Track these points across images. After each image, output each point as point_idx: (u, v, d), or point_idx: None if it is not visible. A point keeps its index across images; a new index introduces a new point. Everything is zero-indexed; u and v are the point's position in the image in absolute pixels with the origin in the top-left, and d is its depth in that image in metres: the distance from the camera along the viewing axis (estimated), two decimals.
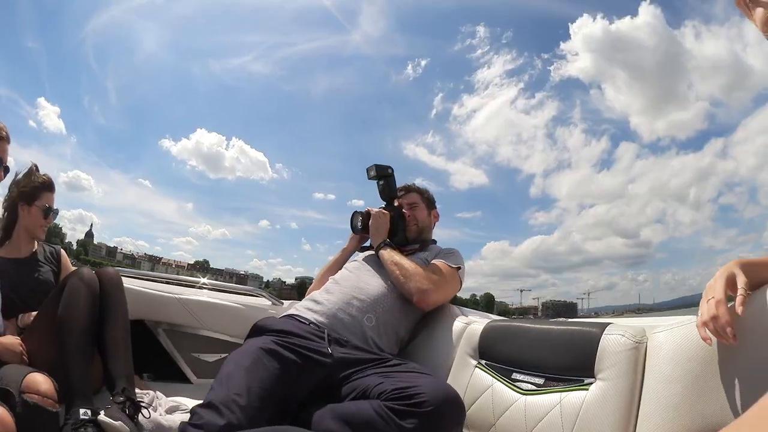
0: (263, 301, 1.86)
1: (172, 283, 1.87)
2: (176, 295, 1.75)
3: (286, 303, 1.84)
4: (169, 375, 1.71)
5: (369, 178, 1.63)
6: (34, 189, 1.60)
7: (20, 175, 1.62)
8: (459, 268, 1.53)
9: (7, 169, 1.46)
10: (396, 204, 1.67)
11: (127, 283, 1.66)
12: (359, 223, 1.64)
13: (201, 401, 1.05)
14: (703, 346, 0.79)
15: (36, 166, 1.64)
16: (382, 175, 1.61)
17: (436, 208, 1.76)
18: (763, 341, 0.73)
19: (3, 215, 1.62)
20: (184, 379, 1.72)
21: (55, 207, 1.66)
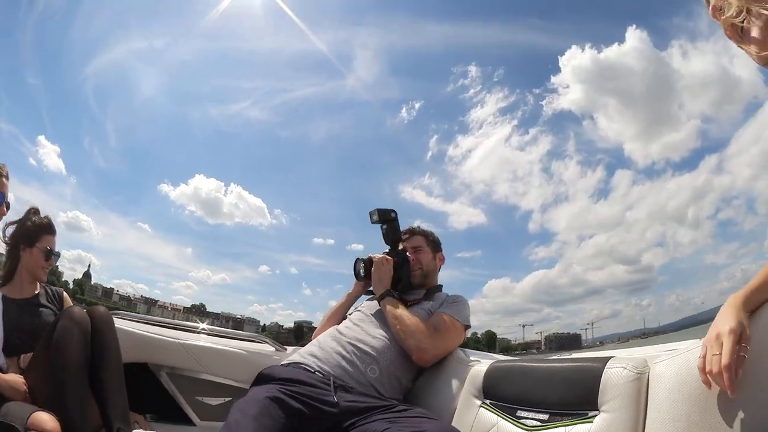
0: (266, 347, 1.86)
1: (175, 328, 1.86)
2: (179, 340, 1.75)
3: (290, 349, 1.83)
4: (172, 417, 1.69)
5: (372, 222, 1.61)
6: (35, 231, 1.63)
7: (21, 217, 1.65)
8: (467, 327, 1.51)
9: (8, 205, 1.49)
10: (400, 248, 1.64)
11: (129, 326, 1.68)
12: (362, 270, 1.61)
13: None
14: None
15: (36, 209, 1.67)
16: (385, 219, 1.59)
17: (441, 250, 1.72)
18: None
19: (5, 256, 1.64)
20: (188, 421, 1.70)
21: (56, 250, 1.68)
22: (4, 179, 1.46)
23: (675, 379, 0.88)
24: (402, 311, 1.45)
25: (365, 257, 1.62)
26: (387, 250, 1.63)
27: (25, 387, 1.34)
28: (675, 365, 0.90)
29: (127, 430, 1.29)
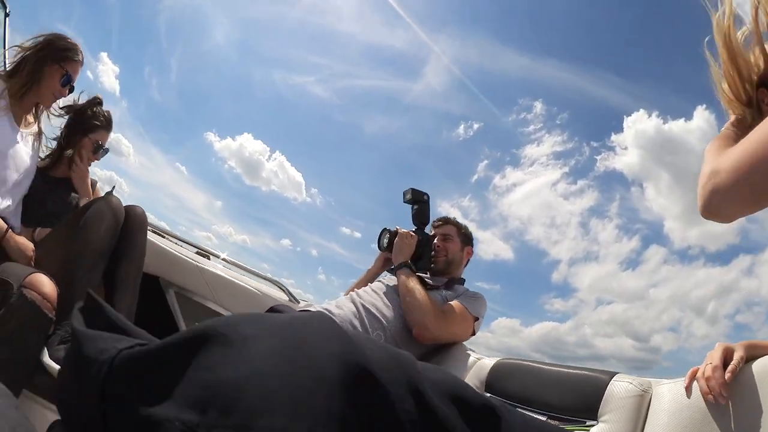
0: (281, 294, 1.87)
1: (197, 250, 1.87)
2: (196, 263, 1.76)
3: (303, 303, 1.85)
4: (165, 335, 1.65)
5: (404, 201, 1.65)
6: (92, 123, 1.60)
7: (82, 100, 1.61)
8: (476, 319, 1.50)
9: (71, 89, 1.49)
10: (431, 233, 1.67)
11: (153, 237, 1.66)
12: (385, 241, 1.63)
13: None
14: (701, 399, 0.89)
15: (101, 100, 1.64)
16: (417, 199, 1.62)
17: (471, 245, 1.73)
18: (752, 403, 0.84)
19: (57, 138, 1.61)
20: None
21: (106, 146, 1.64)
22: (78, 64, 1.47)
23: (675, 402, 0.94)
24: (415, 285, 1.45)
25: (392, 229, 1.64)
26: (413, 229, 1.65)
27: (32, 253, 1.31)
28: (677, 389, 0.96)
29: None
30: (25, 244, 1.31)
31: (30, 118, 1.50)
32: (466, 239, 1.73)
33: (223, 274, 1.80)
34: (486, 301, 1.58)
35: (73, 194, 1.60)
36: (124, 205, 1.40)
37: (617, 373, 1.09)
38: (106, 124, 1.63)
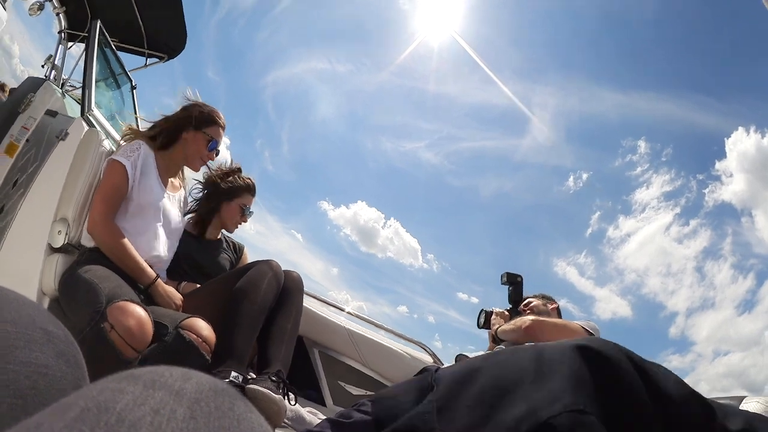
0: (425, 356, 1.85)
1: (324, 302, 1.91)
2: (344, 326, 1.80)
3: (446, 365, 1.89)
4: (306, 392, 1.71)
5: (501, 283, 1.82)
6: (237, 188, 1.68)
7: (224, 170, 1.70)
8: (590, 333, 1.51)
9: (217, 152, 1.56)
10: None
11: None
12: (482, 320, 1.77)
13: None
14: None
15: (240, 168, 1.73)
16: (512, 281, 1.81)
17: (555, 303, 1.82)
18: None
19: (201, 203, 1.70)
20: (320, 401, 1.71)
21: (251, 210, 1.72)
22: (220, 129, 1.53)
23: None
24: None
25: (488, 309, 1.80)
26: (508, 308, 1.79)
27: (180, 303, 1.36)
28: None
29: (283, 376, 1.26)
30: (174, 293, 1.38)
31: (176, 182, 1.58)
32: (545, 298, 1.83)
33: (371, 337, 1.82)
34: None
35: (220, 253, 1.69)
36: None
37: (745, 396, 1.08)
38: (251, 189, 1.72)
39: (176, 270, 1.54)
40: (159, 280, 1.35)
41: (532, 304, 1.79)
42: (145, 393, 0.22)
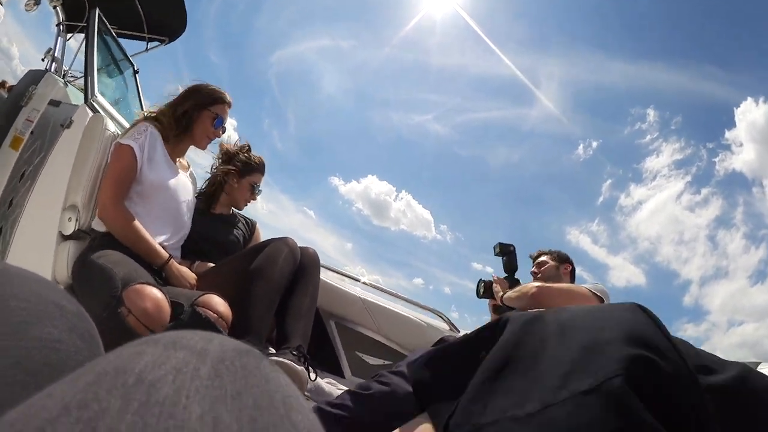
0: (442, 324, 1.84)
1: (341, 275, 1.90)
2: (359, 296, 1.79)
3: (462, 332, 1.82)
4: (324, 364, 1.71)
5: (495, 255, 1.83)
6: (248, 166, 1.68)
7: (235, 147, 1.70)
8: (598, 296, 1.50)
9: (224, 129, 1.54)
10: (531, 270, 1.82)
11: None
12: (481, 289, 1.77)
13: None
14: None
15: (249, 146, 1.73)
16: (505, 251, 1.81)
17: (569, 262, 1.81)
18: None
19: (210, 180, 1.70)
20: (339, 373, 1.71)
21: (260, 188, 1.71)
22: (226, 106, 1.53)
23: None
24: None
25: (486, 279, 1.80)
26: (505, 277, 1.81)
27: (194, 282, 1.36)
28: None
29: (303, 351, 1.25)
30: (188, 272, 1.37)
31: (184, 161, 1.58)
32: (560, 259, 1.82)
33: (387, 306, 1.80)
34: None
35: (234, 228, 1.68)
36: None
37: (760, 362, 1.05)
38: (260, 167, 1.72)
39: (191, 247, 1.53)
40: (172, 260, 1.34)
41: (543, 267, 1.78)
42: (166, 353, 0.21)
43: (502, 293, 1.67)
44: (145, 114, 1.50)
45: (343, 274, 1.90)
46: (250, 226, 1.77)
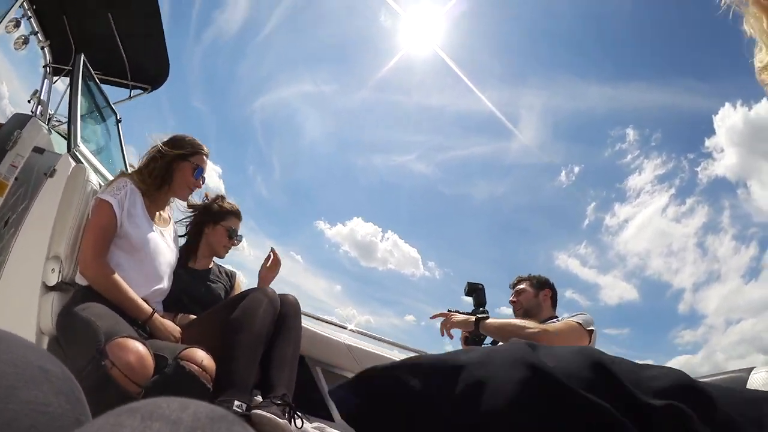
0: None
1: (324, 322, 1.94)
2: (344, 342, 1.82)
3: None
4: (313, 410, 1.71)
5: (465, 294, 1.81)
6: (222, 212, 1.70)
7: (208, 200, 1.73)
8: (588, 329, 1.53)
9: (203, 180, 1.57)
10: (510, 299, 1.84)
11: None
12: (468, 288, 1.77)
13: None
14: None
15: (223, 196, 1.74)
16: (474, 290, 1.79)
17: (549, 287, 1.82)
18: None
19: (187, 232, 1.71)
20: (329, 417, 1.71)
21: (240, 233, 1.72)
22: (204, 156, 1.56)
23: None
24: (501, 321, 1.58)
25: (475, 282, 1.79)
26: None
27: (179, 335, 1.36)
28: None
29: (288, 400, 1.26)
30: (172, 326, 1.38)
31: (164, 214, 1.59)
32: (540, 284, 1.83)
33: (370, 349, 1.83)
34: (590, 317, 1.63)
35: (213, 282, 1.69)
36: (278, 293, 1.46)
37: (753, 367, 1.06)
38: (235, 213, 1.73)
39: (173, 302, 1.54)
40: (156, 314, 1.36)
41: (521, 296, 1.80)
42: (143, 425, 0.23)
43: (483, 317, 1.63)
44: (126, 170, 1.53)
45: (329, 323, 1.92)
46: (230, 276, 1.78)
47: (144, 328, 1.34)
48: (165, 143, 1.52)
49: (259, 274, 1.70)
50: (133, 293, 1.33)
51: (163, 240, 1.52)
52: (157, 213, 1.55)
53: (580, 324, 1.56)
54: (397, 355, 1.87)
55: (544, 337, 1.47)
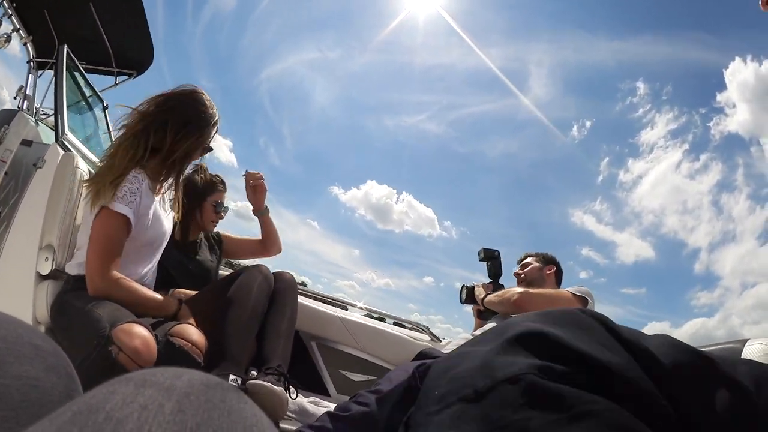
0: (423, 336, 1.88)
1: (334, 303, 1.94)
2: (338, 315, 1.83)
3: (444, 341, 1.85)
4: (309, 385, 1.73)
5: (479, 260, 1.81)
6: (206, 186, 1.68)
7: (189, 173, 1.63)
8: (580, 296, 1.53)
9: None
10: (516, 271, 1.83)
11: None
12: (464, 295, 1.77)
13: None
14: None
15: (202, 166, 1.68)
16: (489, 257, 1.80)
17: (554, 264, 1.82)
18: None
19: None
20: (324, 392, 1.74)
21: (225, 204, 1.71)
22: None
23: None
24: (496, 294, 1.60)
25: (468, 284, 1.79)
26: (489, 282, 1.80)
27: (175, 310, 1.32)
28: None
29: (283, 371, 1.28)
30: (169, 302, 1.33)
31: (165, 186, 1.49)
32: (545, 261, 1.83)
33: (365, 322, 1.85)
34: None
35: (203, 255, 1.69)
36: (273, 271, 1.49)
37: (748, 339, 1.07)
38: (217, 185, 1.70)
39: (163, 279, 1.52)
40: (183, 306, 1.33)
41: (527, 269, 1.80)
42: (135, 392, 0.23)
43: (483, 295, 1.68)
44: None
45: (339, 302, 1.93)
46: (218, 240, 1.78)
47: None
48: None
49: (249, 201, 1.72)
50: (151, 295, 1.30)
51: (163, 211, 1.44)
52: (157, 186, 1.42)
53: (572, 293, 1.57)
54: (392, 328, 1.88)
55: (527, 298, 1.49)
